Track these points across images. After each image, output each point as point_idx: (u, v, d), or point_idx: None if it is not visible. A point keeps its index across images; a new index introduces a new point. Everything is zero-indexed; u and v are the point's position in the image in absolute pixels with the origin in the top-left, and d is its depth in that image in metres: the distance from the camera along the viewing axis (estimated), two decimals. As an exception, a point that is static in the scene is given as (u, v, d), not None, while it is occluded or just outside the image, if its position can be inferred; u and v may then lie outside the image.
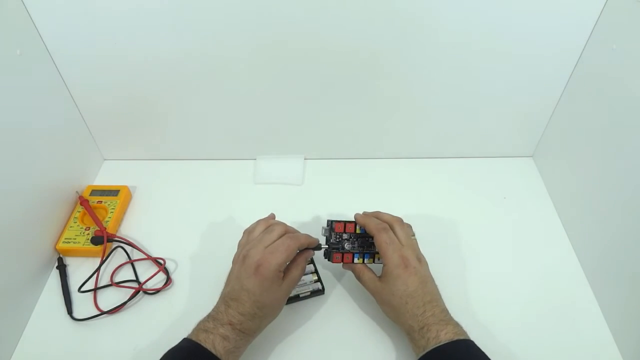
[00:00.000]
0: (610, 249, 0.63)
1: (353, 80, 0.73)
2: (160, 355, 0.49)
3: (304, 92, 0.75)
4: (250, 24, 0.65)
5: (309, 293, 0.63)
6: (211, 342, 0.49)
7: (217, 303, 0.54)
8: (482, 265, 0.69)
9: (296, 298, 0.63)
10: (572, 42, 0.68)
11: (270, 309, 0.54)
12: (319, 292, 0.64)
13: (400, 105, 0.77)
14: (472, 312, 0.63)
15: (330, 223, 0.61)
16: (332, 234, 0.60)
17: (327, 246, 0.61)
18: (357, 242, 0.61)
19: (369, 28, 0.66)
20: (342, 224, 0.61)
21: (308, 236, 0.59)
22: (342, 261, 0.60)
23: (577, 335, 0.61)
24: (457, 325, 0.52)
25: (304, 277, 0.65)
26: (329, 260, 0.60)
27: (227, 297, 0.53)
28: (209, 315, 0.53)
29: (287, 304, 0.62)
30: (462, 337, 0.50)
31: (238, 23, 0.65)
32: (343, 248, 0.60)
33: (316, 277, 0.65)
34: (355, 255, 0.60)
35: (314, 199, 0.78)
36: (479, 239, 0.72)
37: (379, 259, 0.60)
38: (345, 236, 0.61)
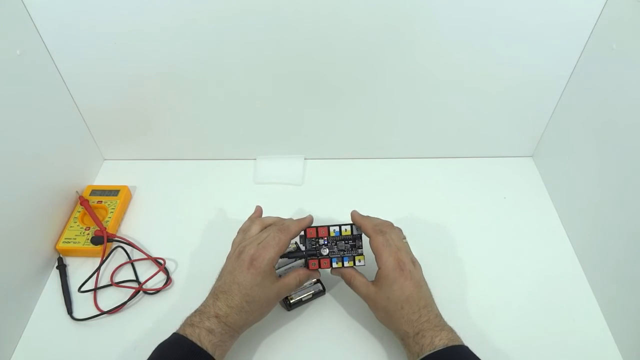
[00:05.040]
0: (610, 249, 0.63)
1: (353, 80, 0.73)
2: (157, 353, 0.50)
3: (304, 92, 0.75)
4: (250, 24, 0.65)
5: (310, 295, 0.63)
6: (197, 336, 0.49)
7: (206, 297, 0.55)
8: (482, 265, 0.69)
9: (299, 302, 0.63)
10: (572, 42, 0.68)
11: (257, 306, 0.54)
12: (320, 292, 0.64)
13: (400, 106, 0.77)
14: (472, 312, 0.63)
15: (304, 231, 0.59)
16: (306, 240, 0.59)
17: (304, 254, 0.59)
18: (337, 246, 0.59)
19: (368, 28, 0.66)
20: (314, 229, 0.59)
21: (299, 222, 0.59)
22: (320, 267, 0.58)
23: (577, 335, 0.61)
24: (451, 330, 0.52)
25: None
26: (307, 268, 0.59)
27: (217, 291, 0.54)
28: (196, 310, 0.53)
29: (290, 309, 0.63)
30: (456, 343, 0.50)
31: (237, 23, 0.65)
32: (320, 254, 0.59)
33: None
34: (332, 260, 0.58)
35: (314, 199, 0.78)
36: (478, 239, 0.72)
37: (359, 261, 0.58)
38: (321, 241, 0.59)
